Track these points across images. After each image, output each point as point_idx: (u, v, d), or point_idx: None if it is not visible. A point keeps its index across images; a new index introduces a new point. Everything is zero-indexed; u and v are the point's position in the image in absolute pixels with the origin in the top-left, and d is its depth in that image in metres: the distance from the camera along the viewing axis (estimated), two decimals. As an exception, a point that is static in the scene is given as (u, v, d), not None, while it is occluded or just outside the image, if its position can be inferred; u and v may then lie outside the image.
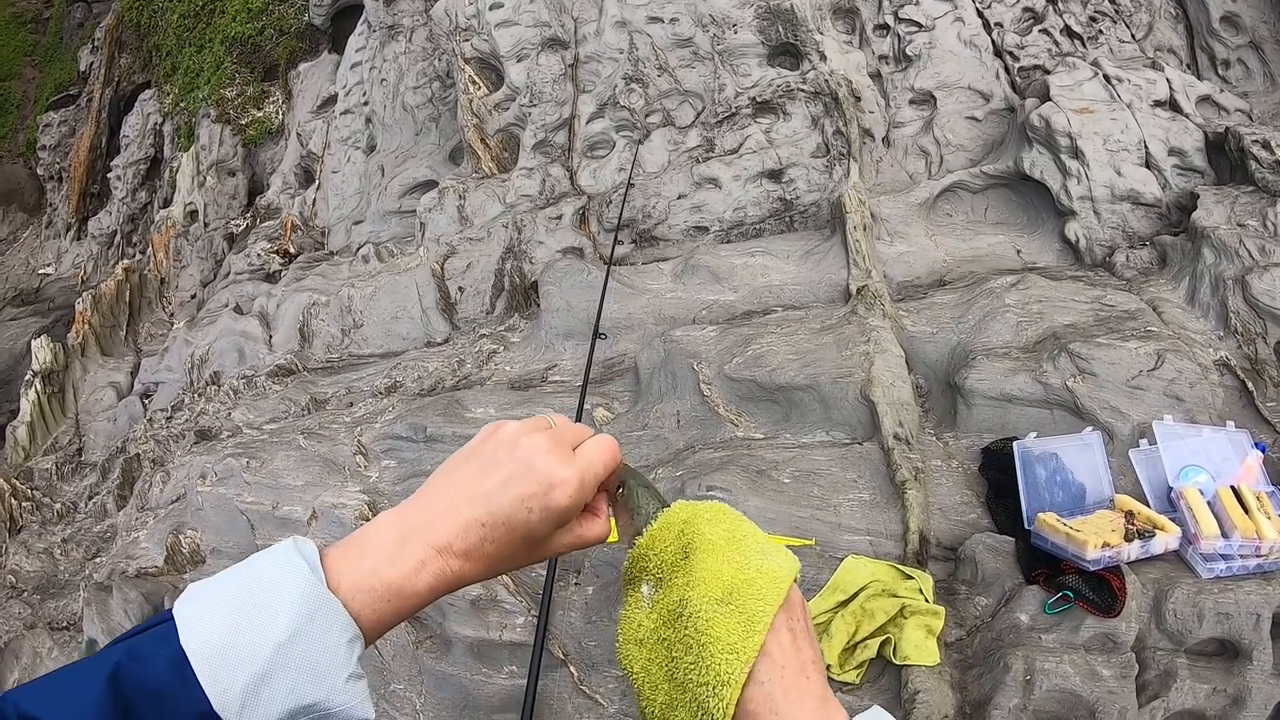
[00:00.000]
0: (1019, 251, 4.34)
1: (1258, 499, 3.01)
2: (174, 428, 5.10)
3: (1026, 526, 3.12)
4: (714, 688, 0.70)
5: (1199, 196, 4.05)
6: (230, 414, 4.81)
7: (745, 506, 3.37)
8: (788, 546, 3.23)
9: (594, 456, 0.82)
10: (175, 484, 4.45)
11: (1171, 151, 4.33)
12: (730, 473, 3.47)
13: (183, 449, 4.78)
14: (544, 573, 3.21)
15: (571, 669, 3.19)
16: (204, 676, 0.64)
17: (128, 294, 7.33)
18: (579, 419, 3.60)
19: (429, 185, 6.06)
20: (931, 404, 3.75)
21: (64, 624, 4.20)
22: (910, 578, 3.03)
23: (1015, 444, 3.31)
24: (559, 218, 5.34)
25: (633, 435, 3.92)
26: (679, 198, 5.18)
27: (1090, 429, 3.35)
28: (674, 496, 3.53)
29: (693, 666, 0.72)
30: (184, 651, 0.65)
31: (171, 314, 7.28)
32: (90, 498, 5.24)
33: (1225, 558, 2.90)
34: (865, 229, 4.45)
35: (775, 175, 5.08)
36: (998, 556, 3.07)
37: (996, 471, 3.36)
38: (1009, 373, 3.56)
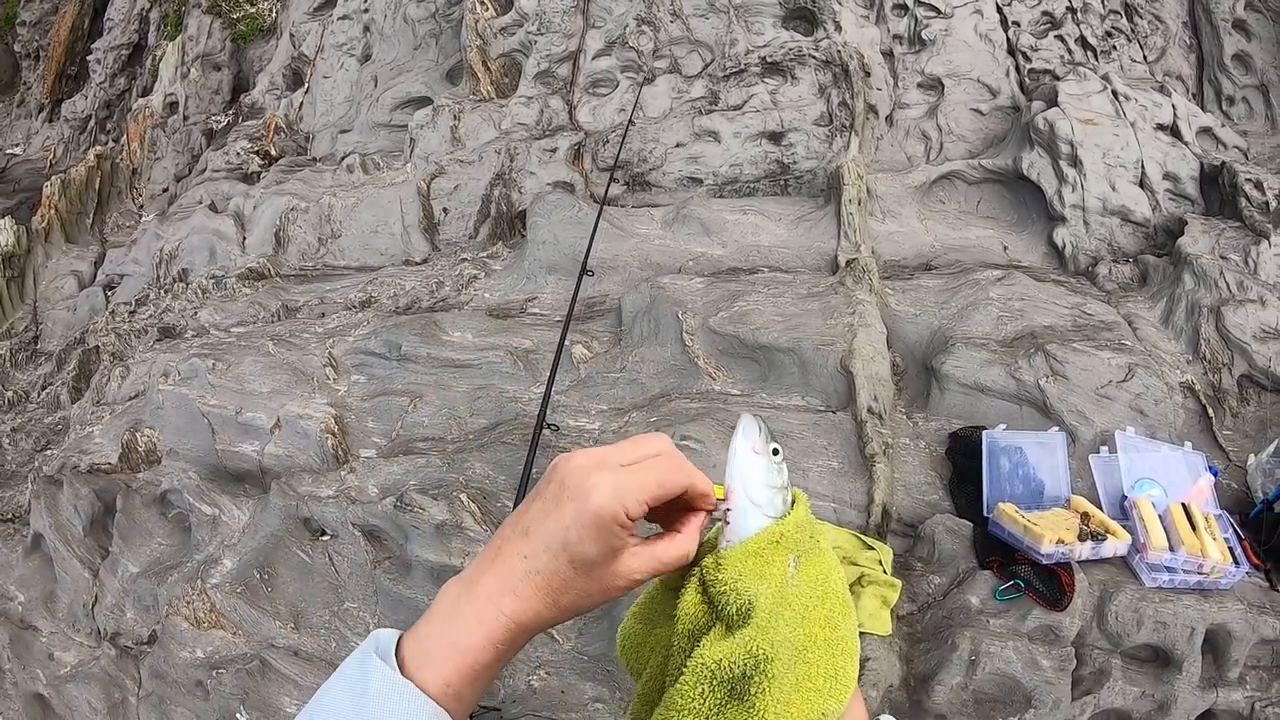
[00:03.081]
0: (1006, 248, 4.40)
1: (1206, 520, 3.12)
2: (137, 323, 4.87)
3: (985, 514, 3.19)
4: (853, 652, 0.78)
5: (1187, 223, 4.15)
6: (197, 313, 4.59)
7: (717, 459, 3.37)
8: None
9: (643, 468, 0.77)
10: (135, 380, 4.24)
11: (1167, 175, 4.42)
12: (705, 425, 3.46)
13: (145, 345, 4.56)
14: (510, 505, 3.12)
15: None
16: None
17: (97, 181, 6.98)
18: (558, 354, 3.54)
19: (423, 101, 5.86)
20: (906, 383, 3.80)
21: (9, 516, 3.99)
22: (871, 548, 3.08)
23: (984, 434, 3.38)
24: (553, 150, 5.22)
25: (609, 376, 3.88)
26: (677, 146, 5.10)
27: (1056, 429, 3.42)
28: None
29: (842, 626, 0.78)
30: None
31: (141, 206, 6.95)
32: (44, 388, 4.99)
33: (1170, 570, 3.01)
34: (860, 203, 4.45)
35: (776, 137, 5.03)
36: (955, 538, 3.14)
37: (962, 457, 3.42)
38: (985, 364, 3.61)
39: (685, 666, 0.75)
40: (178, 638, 3.08)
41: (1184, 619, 2.91)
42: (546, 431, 3.38)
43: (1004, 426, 3.43)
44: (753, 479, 0.82)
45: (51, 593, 3.63)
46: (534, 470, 3.18)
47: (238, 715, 2.95)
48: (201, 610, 3.09)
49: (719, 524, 0.82)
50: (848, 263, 4.17)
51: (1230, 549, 3.04)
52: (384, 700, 0.69)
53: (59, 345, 5.37)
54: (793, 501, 0.83)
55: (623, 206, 4.84)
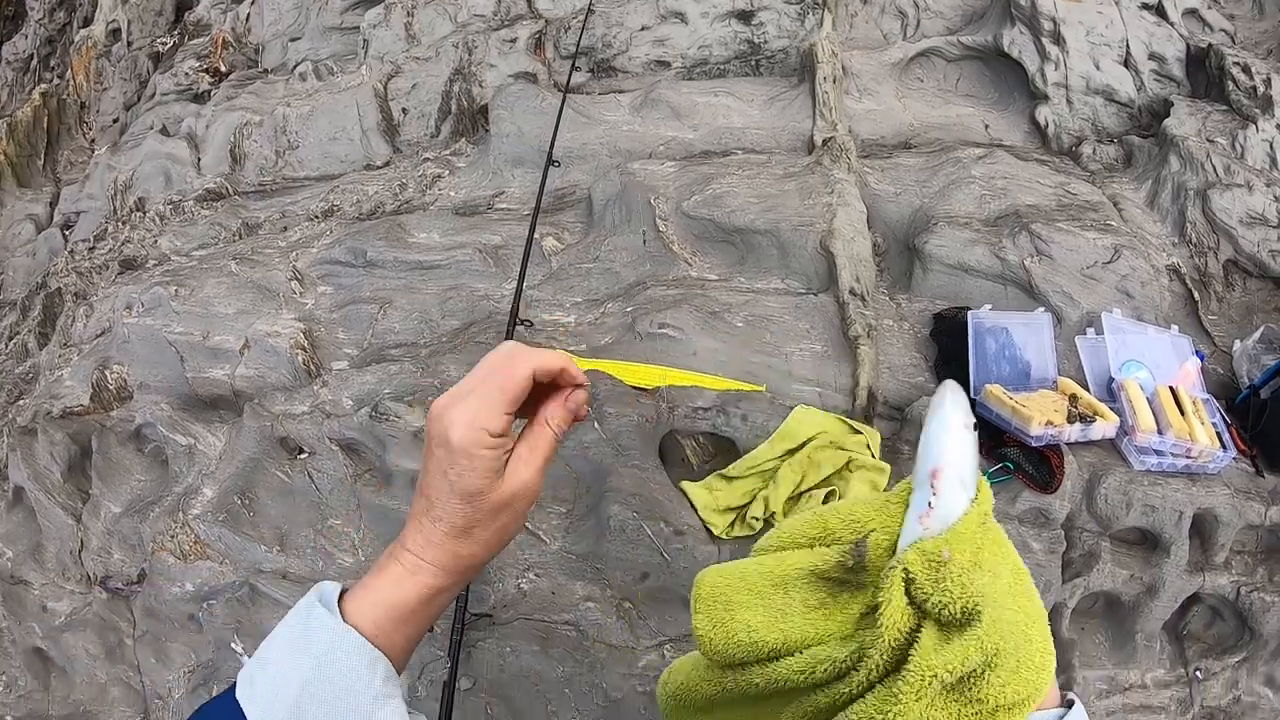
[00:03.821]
0: (987, 126, 4.21)
1: (1193, 403, 3.04)
2: (97, 258, 4.48)
3: (972, 396, 3.07)
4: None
5: (1173, 105, 4.00)
6: (157, 241, 4.24)
7: (697, 347, 3.19)
8: (737, 391, 3.08)
9: (485, 384, 0.81)
10: (99, 317, 3.91)
11: (1152, 56, 4.25)
12: (683, 312, 3.26)
13: (106, 280, 4.21)
14: None
15: None
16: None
17: (45, 120, 6.44)
18: (528, 247, 3.28)
19: (374, 0, 5.39)
20: (888, 264, 3.63)
21: (-10, 473, 3.70)
22: (858, 433, 2.94)
23: (970, 314, 3.24)
24: (513, 41, 4.85)
25: (582, 267, 3.64)
26: (641, 29, 4.77)
27: (1042, 310, 3.30)
28: (623, 334, 3.31)
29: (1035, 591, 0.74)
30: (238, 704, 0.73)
31: (93, 140, 6.42)
32: (10, 338, 4.60)
33: (1158, 453, 2.94)
34: (835, 81, 4.20)
35: (745, 16, 4.72)
36: (943, 422, 3.01)
37: (947, 338, 3.29)
38: (968, 243, 3.46)
39: (901, 680, 0.66)
40: (165, 573, 2.95)
41: (1172, 502, 2.86)
42: (521, 328, 3.19)
43: (989, 307, 3.30)
44: (968, 458, 0.73)
45: (38, 544, 3.43)
46: None
47: (233, 645, 2.86)
48: (186, 543, 2.95)
49: (911, 518, 0.72)
50: (824, 142, 3.95)
51: (1218, 433, 2.98)
52: (326, 642, 0.75)
53: (21, 293, 4.99)
54: None
55: (588, 94, 4.53)
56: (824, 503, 2.84)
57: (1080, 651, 2.93)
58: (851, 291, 3.34)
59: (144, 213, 4.59)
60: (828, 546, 0.74)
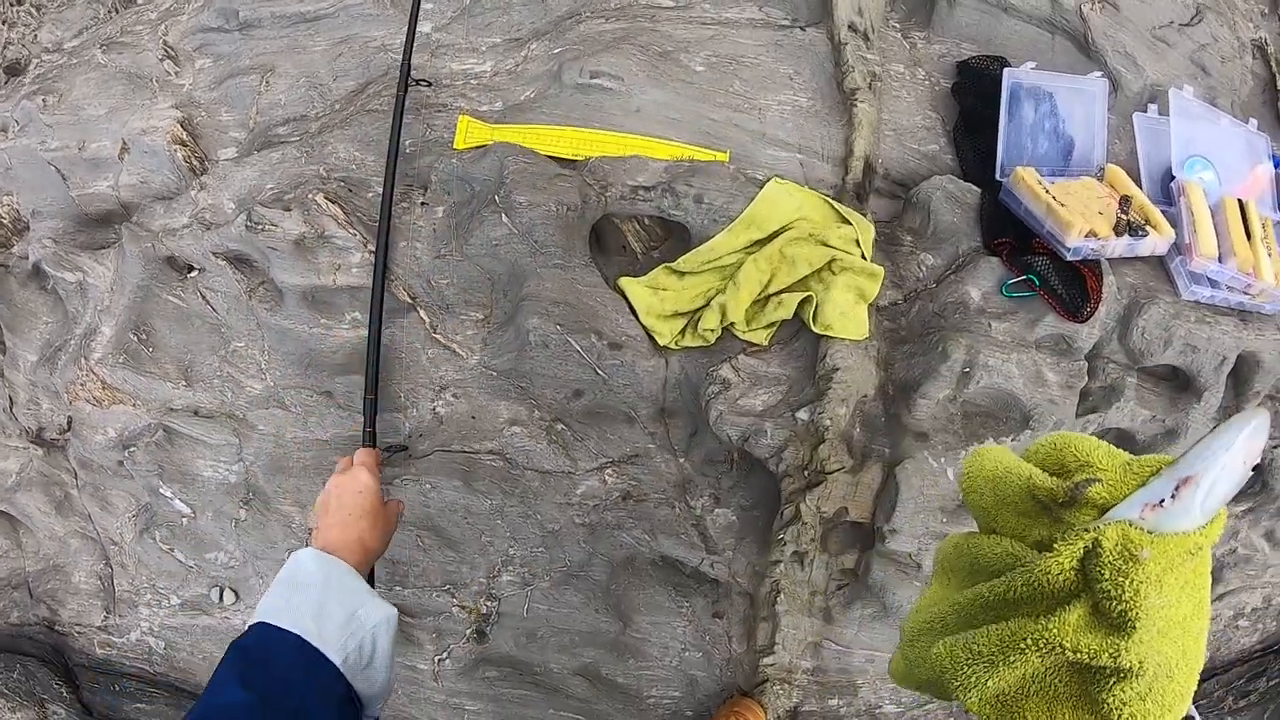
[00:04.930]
0: None
1: (1263, 226, 2.40)
2: None
3: (998, 177, 2.37)
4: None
5: None
6: (37, 35, 3.29)
7: (642, 100, 2.38)
8: (691, 161, 2.29)
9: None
10: None
11: None
12: (623, 54, 2.40)
13: None
14: (379, 193, 2.36)
15: (422, 313, 2.37)
16: (288, 623, 1.15)
17: None
18: None
19: None
20: (902, -9, 2.75)
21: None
22: (847, 222, 2.22)
23: (1005, 70, 2.45)
24: None
25: None
26: None
27: (1097, 73, 2.54)
28: (549, 84, 2.23)
29: (1203, 636, 0.73)
30: (261, 621, 1.17)
31: None
32: None
33: (1213, 284, 2.33)
34: None
35: None
36: (957, 208, 2.31)
37: (973, 98, 2.52)
38: (1014, -28, 2.60)
39: (1035, 631, 0.70)
40: (87, 422, 2.59)
41: (1217, 345, 2.28)
42: (421, 89, 2.49)
43: (1032, 65, 2.51)
44: (1226, 490, 0.68)
45: None
46: (406, 144, 2.43)
47: (161, 490, 2.56)
48: (96, 390, 2.57)
49: (1137, 500, 0.71)
50: None
51: (1284, 268, 2.35)
52: (324, 561, 1.31)
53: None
54: None
55: None
56: (796, 310, 2.19)
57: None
58: (851, 27, 2.50)
59: (20, 4, 3.49)
60: (1057, 474, 0.78)
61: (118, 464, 2.59)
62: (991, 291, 2.21)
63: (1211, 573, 2.45)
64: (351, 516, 1.44)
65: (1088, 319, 2.18)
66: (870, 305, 2.19)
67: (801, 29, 2.57)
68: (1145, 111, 2.54)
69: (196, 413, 2.53)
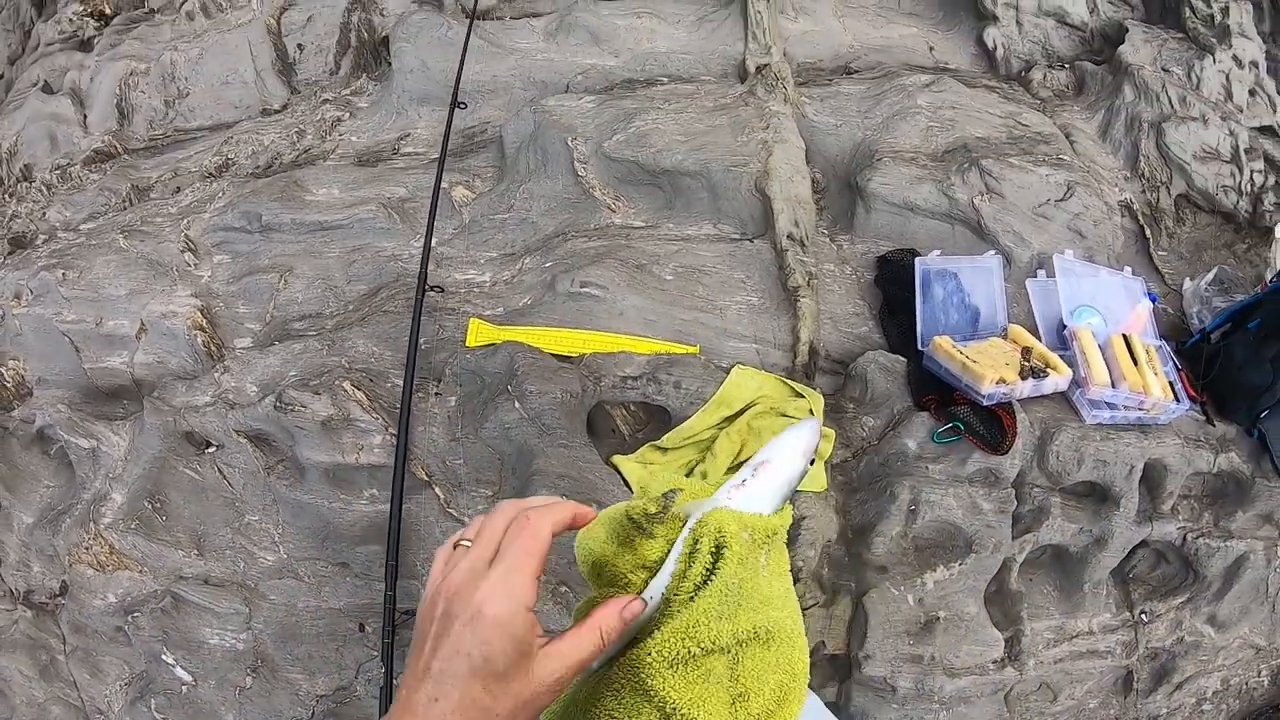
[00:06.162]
0: (931, 48, 3.94)
1: (1147, 352, 2.90)
2: None
3: (920, 347, 2.89)
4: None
5: (1128, 30, 3.77)
6: (45, 214, 3.78)
7: (624, 305, 2.93)
8: (668, 354, 2.84)
9: (510, 551, 0.76)
10: None
11: (1105, -25, 4.01)
12: (607, 267, 2.98)
13: None
14: (400, 384, 2.72)
15: (437, 490, 2.74)
16: None
17: None
18: (435, 198, 2.94)
19: None
20: (828, 202, 3.39)
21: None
22: (801, 396, 2.74)
23: (916, 261, 3.03)
24: None
25: (496, 218, 3.31)
26: (553, -59, 4.34)
27: (992, 252, 3.11)
28: (543, 293, 2.94)
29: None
30: None
31: None
32: None
33: (1111, 406, 2.80)
34: (769, 0, 3.87)
35: (670, -77, 4.32)
36: (889, 377, 2.83)
37: (892, 285, 3.08)
38: (915, 180, 3.23)
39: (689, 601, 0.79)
40: (86, 586, 2.74)
41: (1124, 456, 2.74)
42: (432, 294, 2.93)
43: (938, 252, 3.09)
44: (791, 478, 0.88)
45: None
46: (421, 341, 2.79)
47: (164, 657, 2.67)
48: (102, 554, 2.75)
49: (723, 491, 0.85)
50: (758, 69, 3.64)
51: (1170, 383, 2.85)
52: None
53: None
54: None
55: (499, 19, 4.10)
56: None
57: (1028, 604, 2.83)
58: (790, 237, 3.10)
59: (30, 182, 4.12)
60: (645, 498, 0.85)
61: (115, 630, 2.74)
62: (925, 440, 2.69)
63: (1164, 665, 2.81)
64: (465, 671, 0.71)
65: (1008, 451, 2.65)
66: (826, 462, 2.67)
67: (750, 241, 3.18)
68: (1036, 277, 3.10)
69: (207, 581, 2.75)
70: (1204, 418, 2.96)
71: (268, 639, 2.68)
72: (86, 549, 2.77)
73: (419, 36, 3.88)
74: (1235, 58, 3.61)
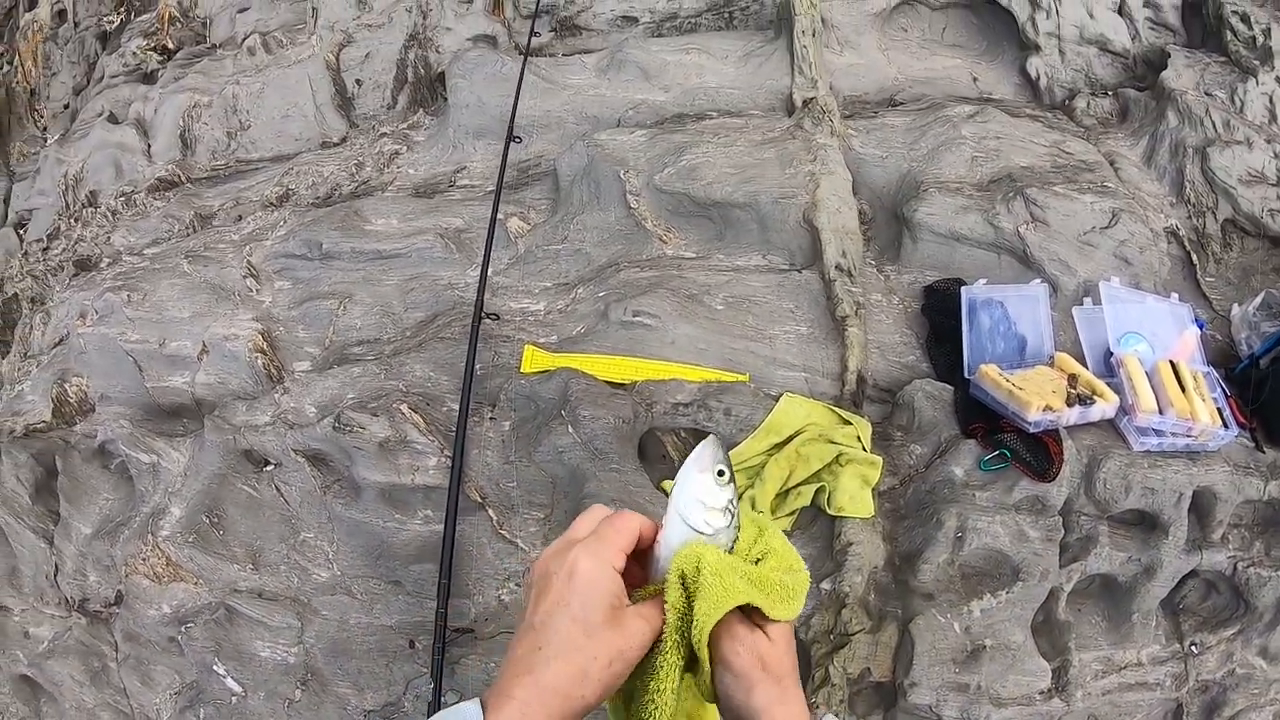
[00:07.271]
0: (975, 79, 4.01)
1: (1194, 378, 2.91)
2: (51, 259, 4.19)
3: (966, 376, 2.94)
4: None
5: (1170, 55, 3.80)
6: (110, 238, 4.00)
7: (675, 334, 3.02)
8: (718, 382, 2.92)
9: (603, 528, 0.87)
10: (56, 324, 3.67)
11: (1147, 3, 4.03)
12: (659, 296, 3.08)
13: (61, 283, 3.96)
14: (455, 408, 2.82)
15: (490, 512, 2.84)
16: None
17: None
18: (491, 232, 3.08)
19: None
20: (875, 233, 3.45)
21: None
22: (848, 423, 2.80)
23: (963, 290, 3.09)
24: (469, 1, 4.54)
25: (550, 249, 3.44)
26: (606, -18, 4.49)
27: (1038, 280, 3.15)
28: (596, 321, 3.07)
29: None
30: None
31: (45, 128, 5.99)
32: None
33: (1158, 433, 2.82)
34: (814, 34, 3.97)
35: (716, -38, 4.44)
36: (936, 405, 2.88)
37: (938, 314, 3.14)
38: (960, 210, 3.29)
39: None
40: (141, 596, 2.85)
41: (1172, 484, 2.75)
42: (488, 321, 3.04)
43: (984, 281, 3.14)
44: (693, 492, 0.90)
45: (14, 569, 3.28)
46: (477, 367, 2.89)
47: (215, 668, 2.77)
48: (159, 565, 2.86)
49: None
50: (805, 102, 3.73)
51: (1219, 409, 2.86)
52: None
53: (-19, 298, 4.69)
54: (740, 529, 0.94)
55: (551, 56, 4.26)
56: (813, 499, 2.73)
57: (1076, 634, 2.83)
58: (838, 267, 3.17)
59: (96, 207, 4.35)
60: None
61: (169, 640, 2.83)
62: (972, 468, 2.74)
63: (1214, 699, 2.80)
64: (566, 620, 0.80)
65: (1054, 478, 2.69)
66: (873, 489, 2.73)
67: (798, 271, 3.26)
68: (1082, 304, 3.14)
69: (261, 595, 2.85)
70: (1253, 444, 2.96)
71: (319, 653, 2.76)
72: (144, 560, 2.88)
73: (474, 73, 4.04)
74: (1278, 79, 3.62)
